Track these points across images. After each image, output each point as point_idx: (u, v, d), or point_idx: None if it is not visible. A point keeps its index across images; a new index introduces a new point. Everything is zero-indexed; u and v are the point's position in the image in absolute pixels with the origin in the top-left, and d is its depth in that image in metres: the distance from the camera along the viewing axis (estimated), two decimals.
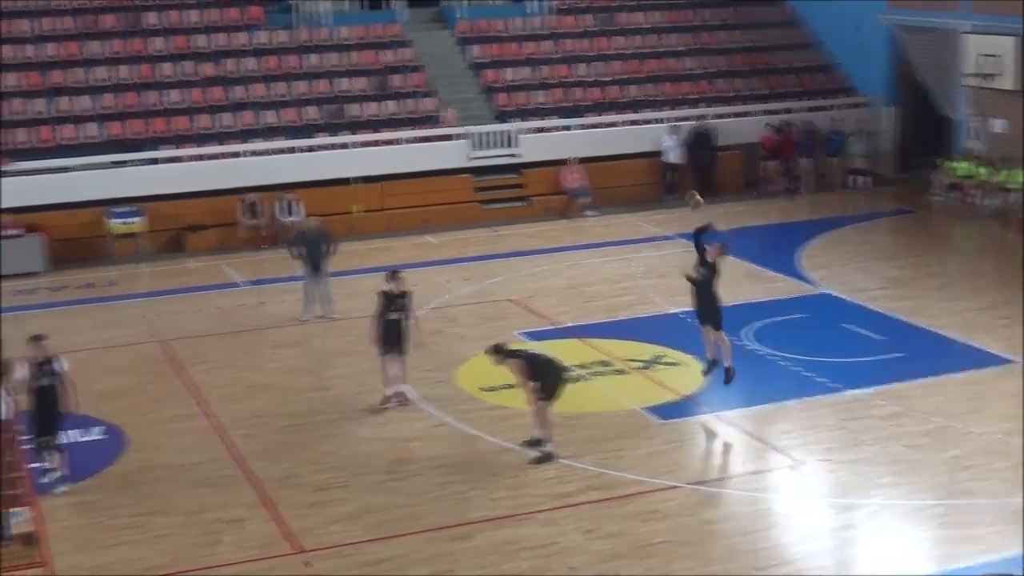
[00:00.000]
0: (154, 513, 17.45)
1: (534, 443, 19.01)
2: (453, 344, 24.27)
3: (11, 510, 15.31)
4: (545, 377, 18.83)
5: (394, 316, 21.32)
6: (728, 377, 20.93)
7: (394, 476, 18.57)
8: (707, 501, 17.47)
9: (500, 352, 19.04)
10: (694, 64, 41.43)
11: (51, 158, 34.40)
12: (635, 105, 39.57)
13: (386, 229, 35.17)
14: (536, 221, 35.75)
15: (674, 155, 37.64)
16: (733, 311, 25.35)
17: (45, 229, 32.78)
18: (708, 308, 21.07)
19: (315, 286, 26.67)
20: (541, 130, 38.08)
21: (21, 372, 18.44)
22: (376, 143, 36.59)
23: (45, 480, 18.10)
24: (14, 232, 31.89)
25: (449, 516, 17.15)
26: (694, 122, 38.40)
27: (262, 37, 39.19)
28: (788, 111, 39.95)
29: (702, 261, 20.95)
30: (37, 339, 18.71)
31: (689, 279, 21.12)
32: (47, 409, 18.43)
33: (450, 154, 36.90)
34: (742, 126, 39.19)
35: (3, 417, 16.66)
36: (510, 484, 18.07)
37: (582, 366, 22.84)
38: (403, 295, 21.47)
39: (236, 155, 35.50)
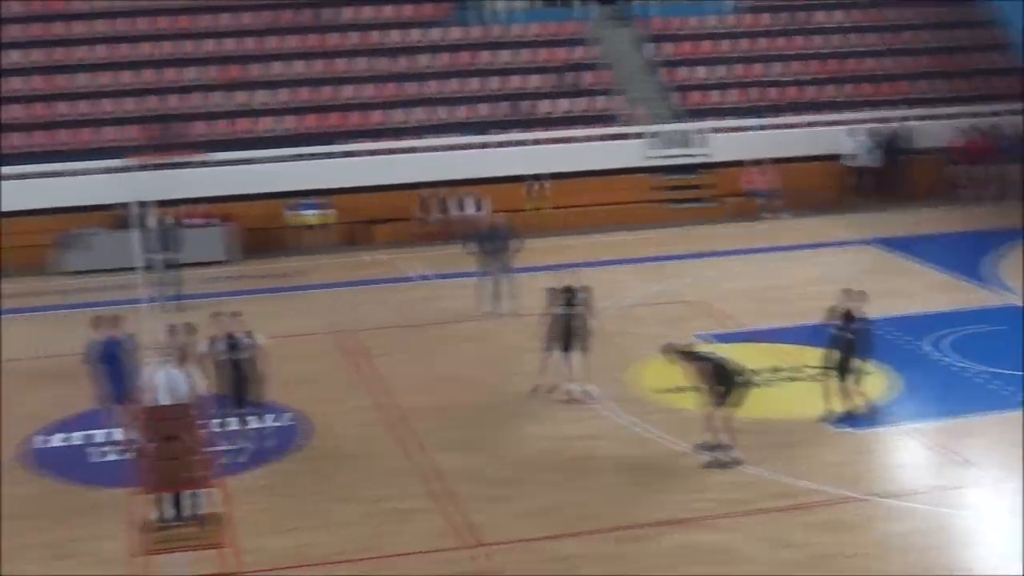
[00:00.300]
0: (336, 500, 17.59)
1: (709, 447, 18.71)
2: (631, 344, 24.03)
3: (197, 490, 15.53)
4: (726, 382, 18.51)
5: (563, 312, 21.24)
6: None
7: (572, 474, 18.41)
8: (893, 514, 16.91)
9: (678, 352, 18.79)
10: (884, 65, 40.46)
11: (246, 150, 34.97)
12: (827, 106, 38.80)
13: (566, 227, 35.05)
14: (719, 222, 35.34)
15: (864, 158, 36.85)
16: (922, 319, 24.81)
17: (236, 219, 33.39)
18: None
19: (498, 282, 26.66)
20: (725, 130, 37.56)
21: (203, 345, 19.04)
22: (557, 141, 36.46)
23: (232, 459, 18.42)
24: (207, 221, 32.58)
25: (626, 517, 16.92)
26: (885, 125, 37.50)
27: (445, 33, 39.33)
28: (982, 115, 38.75)
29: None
30: (233, 315, 19.51)
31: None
32: (238, 384, 18.96)
33: (632, 153, 36.63)
34: (935, 129, 38.09)
35: (188, 395, 16.87)
36: (688, 488, 17.79)
37: (764, 371, 22.41)
38: (576, 291, 21.40)
39: (424, 150, 35.74)
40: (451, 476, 18.33)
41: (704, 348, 21.83)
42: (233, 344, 19.15)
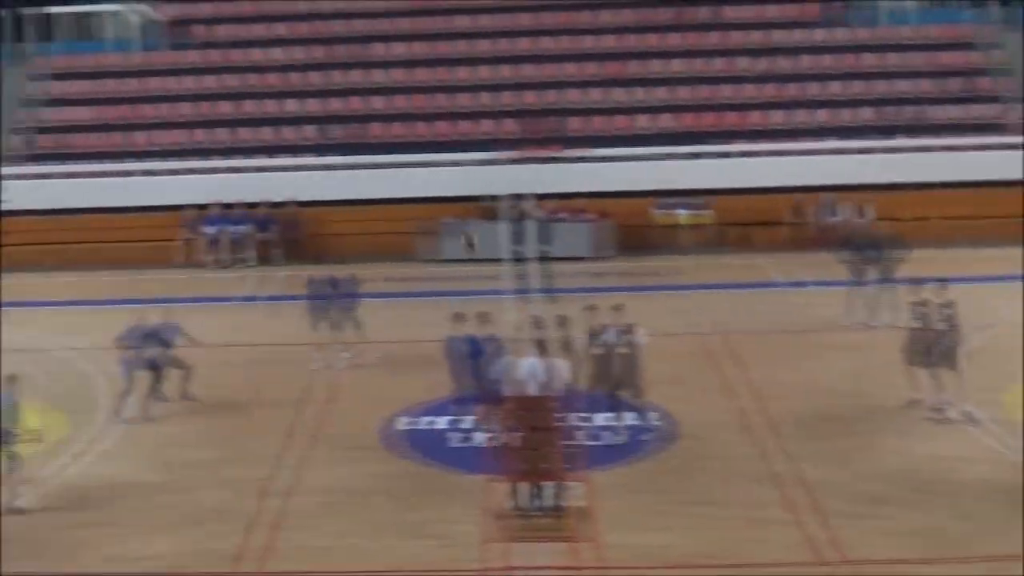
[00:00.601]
0: (699, 503, 17.37)
1: None
2: (1006, 364, 22.89)
3: (557, 482, 15.67)
4: None
5: (924, 326, 20.64)
6: None
7: (939, 496, 17.55)
8: None
9: None
10: None
11: (623, 146, 35.23)
12: None
13: (938, 238, 33.71)
14: None
15: None
16: None
17: (614, 216, 33.68)
18: None
19: (875, 293, 25.96)
20: None
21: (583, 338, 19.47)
22: (936, 149, 35.31)
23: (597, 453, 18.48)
24: (579, 217, 32.97)
25: (1005, 545, 16.06)
26: None
27: (836, 34, 38.57)
28: None
29: None
30: (615, 308, 19.90)
31: None
32: (614, 378, 19.33)
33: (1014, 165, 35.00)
34: None
35: (554, 387, 16.97)
36: None
37: None
38: (941, 306, 20.62)
39: (813, 152, 35.24)
40: (818, 488, 17.86)
41: None
42: (613, 337, 19.27)
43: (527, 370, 16.75)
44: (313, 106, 37.54)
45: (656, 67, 38.02)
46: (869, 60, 38.22)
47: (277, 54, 39.14)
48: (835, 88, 37.38)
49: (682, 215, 34.24)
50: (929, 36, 38.95)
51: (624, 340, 19.33)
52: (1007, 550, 15.80)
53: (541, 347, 16.99)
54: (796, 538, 16.27)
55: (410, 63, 38.53)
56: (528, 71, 38.17)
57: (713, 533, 16.46)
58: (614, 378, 19.32)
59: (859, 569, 15.44)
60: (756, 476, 18.32)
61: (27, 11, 40.50)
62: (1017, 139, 35.31)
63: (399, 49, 38.88)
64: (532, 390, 16.55)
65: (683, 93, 37.36)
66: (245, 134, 37.12)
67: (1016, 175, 34.92)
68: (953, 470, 18.56)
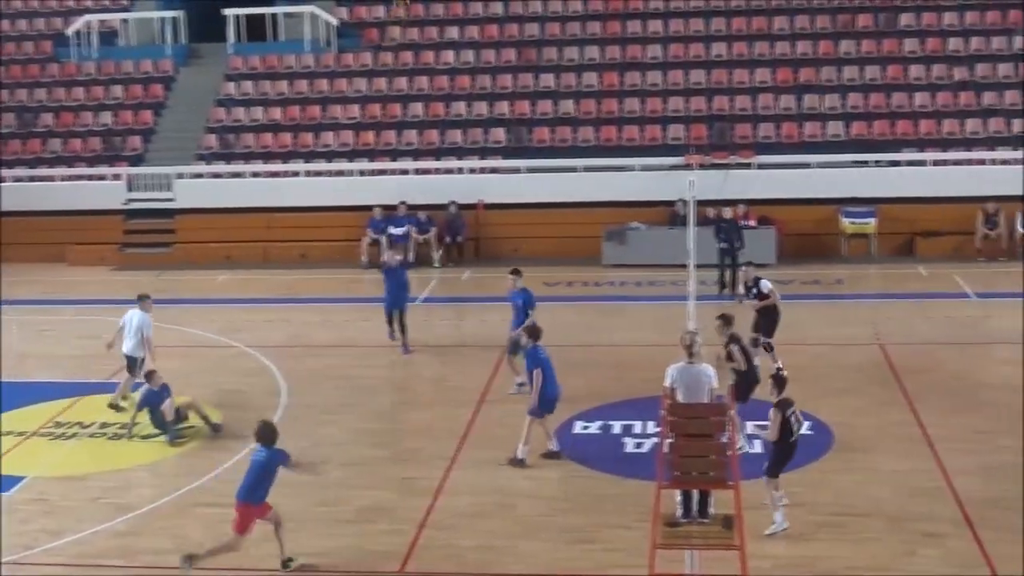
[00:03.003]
0: (856, 515, 17.40)
1: None
2: None
3: (716, 491, 15.82)
4: None
5: None
6: None
7: None
8: None
9: None
10: None
11: (793, 153, 35.18)
12: None
13: None
14: None
15: None
16: None
17: (778, 223, 33.61)
18: None
19: None
20: None
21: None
22: None
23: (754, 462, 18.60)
24: (750, 223, 32.92)
25: None
26: None
27: (1019, 42, 37.95)
28: None
29: None
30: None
31: None
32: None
33: None
34: None
35: (712, 394, 17.10)
36: None
37: None
38: None
39: (980, 162, 34.75)
40: (979, 504, 17.68)
41: None
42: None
43: (675, 376, 16.89)
44: (503, 109, 38.11)
45: (849, 74, 37.70)
46: None
47: (467, 56, 39.76)
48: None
49: (856, 223, 33.90)
50: None
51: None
52: None
53: (691, 353, 17.07)
54: (954, 554, 16.20)
55: (600, 67, 38.85)
56: (719, 77, 38.18)
57: (869, 546, 16.50)
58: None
59: None
60: (918, 490, 18.23)
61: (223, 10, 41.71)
62: None
63: (592, 53, 39.23)
64: (680, 396, 16.69)
65: (876, 100, 36.98)
66: (431, 136, 37.86)
67: None
68: None
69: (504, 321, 23.81)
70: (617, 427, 21.13)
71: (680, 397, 16.66)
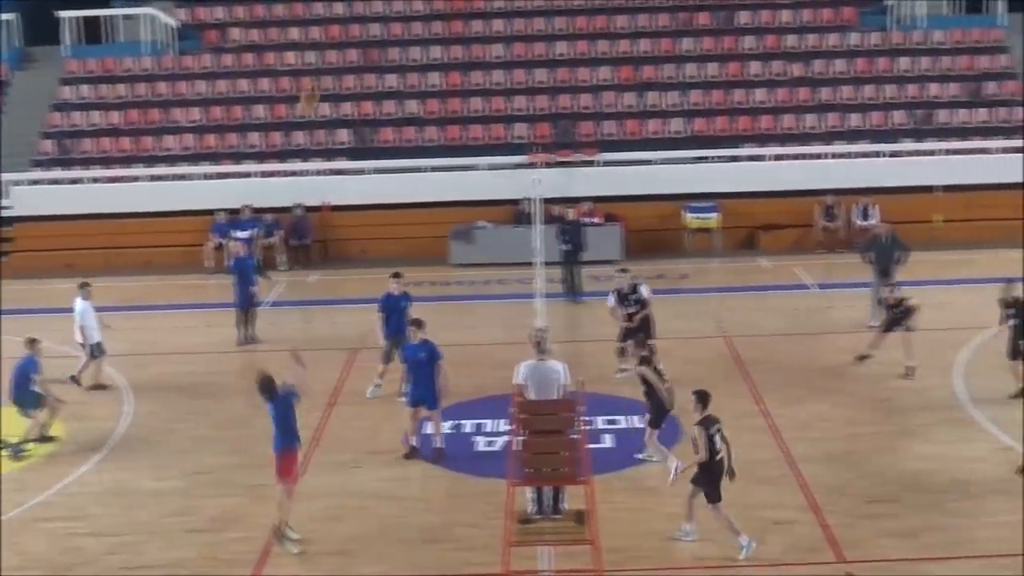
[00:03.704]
0: (704, 504, 17.60)
1: None
2: None
3: (566, 486, 15.90)
4: None
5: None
6: None
7: (952, 497, 17.85)
8: None
9: None
10: None
11: (636, 151, 35.57)
12: None
13: (969, 241, 33.99)
14: None
15: None
16: None
17: (623, 219, 33.95)
18: None
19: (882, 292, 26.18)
20: None
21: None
22: (964, 152, 35.45)
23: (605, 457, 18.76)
24: (595, 220, 33.18)
25: (1008, 544, 16.33)
26: None
27: (854, 39, 38.82)
28: None
29: None
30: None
31: None
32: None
33: None
34: None
35: (562, 391, 17.21)
36: None
37: None
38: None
39: (818, 156, 35.46)
40: (824, 490, 18.12)
41: None
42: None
43: (526, 374, 16.96)
44: (348, 110, 37.93)
45: (691, 71, 38.23)
46: (893, 64, 38.25)
47: (310, 57, 39.49)
48: (869, 91, 37.47)
49: (698, 219, 34.40)
50: (961, 40, 38.95)
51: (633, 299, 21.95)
52: (1010, 549, 16.08)
53: (541, 350, 17.16)
54: (801, 540, 16.53)
55: (443, 66, 38.86)
56: (563, 75, 38.44)
57: (719, 535, 16.70)
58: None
59: (856, 569, 15.72)
60: (764, 479, 18.55)
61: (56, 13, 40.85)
62: None
63: (435, 52, 39.22)
64: (531, 393, 16.77)
65: (717, 97, 37.57)
66: (275, 138, 37.56)
67: None
68: (968, 472, 18.77)
69: (354, 323, 23.72)
70: (468, 426, 21.16)
71: (531, 394, 16.72)
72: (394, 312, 22.35)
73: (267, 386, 16.75)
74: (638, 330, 22.52)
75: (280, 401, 16.73)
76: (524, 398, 16.56)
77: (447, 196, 35.08)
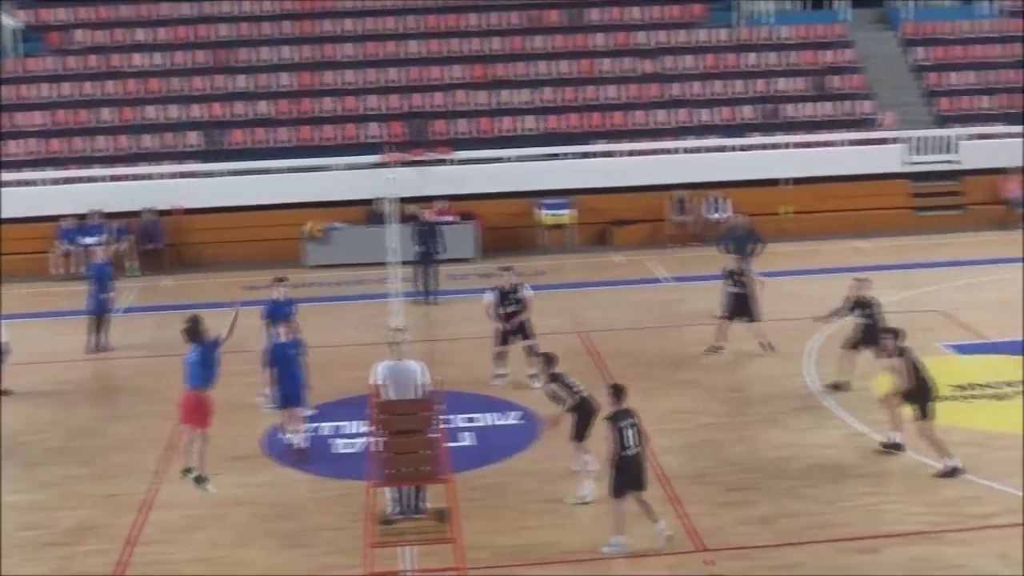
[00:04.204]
0: (559, 500, 17.74)
1: (891, 447, 18.83)
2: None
3: (427, 485, 15.86)
4: (923, 388, 18.38)
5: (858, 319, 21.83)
6: None
7: (807, 482, 18.23)
8: None
9: (897, 336, 18.59)
10: None
11: (490, 148, 35.64)
12: None
13: (816, 232, 34.72)
14: (972, 231, 34.51)
15: None
16: None
17: (478, 217, 34.01)
18: None
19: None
20: (984, 136, 36.68)
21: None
22: (811, 145, 36.16)
23: (464, 456, 18.75)
24: (450, 219, 33.19)
25: (860, 527, 16.72)
26: None
27: (702, 35, 39.32)
28: None
29: None
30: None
31: None
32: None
33: (886, 159, 36.10)
34: None
35: (419, 390, 17.20)
36: (926, 500, 17.45)
37: (1009, 383, 21.91)
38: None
39: (669, 152, 35.86)
40: (684, 480, 18.34)
41: (950, 361, 21.40)
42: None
43: (383, 374, 16.92)
44: (197, 112, 37.44)
45: (542, 68, 38.39)
46: (742, 60, 38.85)
47: (158, 59, 38.87)
48: (703, 87, 38.00)
49: (553, 215, 34.61)
50: (806, 35, 39.66)
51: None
52: (862, 532, 16.49)
53: (398, 350, 17.13)
54: (656, 532, 16.66)
55: (295, 66, 38.56)
56: (415, 74, 38.36)
57: (583, 529, 16.84)
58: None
59: (717, 556, 15.94)
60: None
61: None
62: (886, 134, 36.27)
63: (286, 53, 38.89)
64: (390, 394, 16.71)
65: (569, 94, 37.78)
66: (123, 141, 36.93)
67: (888, 168, 36.01)
68: (821, 456, 19.22)
69: (210, 327, 23.27)
70: (327, 428, 21.02)
71: (389, 395, 16.67)
72: (280, 318, 22.03)
73: (194, 329, 17.49)
74: (515, 332, 22.56)
75: (208, 344, 17.51)
76: (382, 398, 16.49)
77: (301, 197, 34.79)
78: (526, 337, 22.63)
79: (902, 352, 18.56)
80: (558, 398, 18.16)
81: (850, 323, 22.27)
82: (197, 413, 17.58)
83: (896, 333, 18.80)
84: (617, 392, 16.46)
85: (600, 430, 16.80)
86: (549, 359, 18.50)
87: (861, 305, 21.87)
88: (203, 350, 17.57)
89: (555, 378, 18.27)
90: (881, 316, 21.77)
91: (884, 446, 18.96)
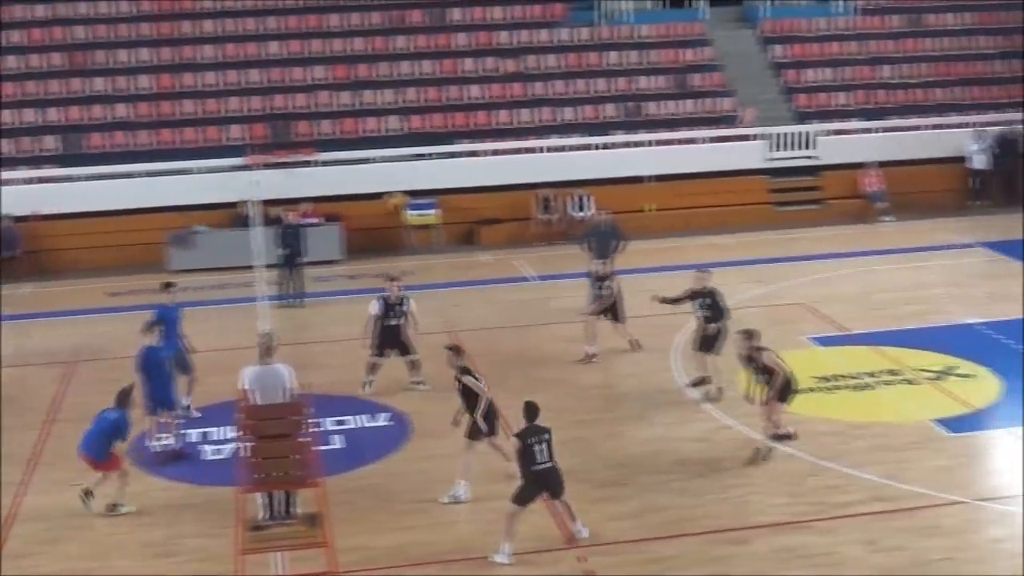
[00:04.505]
0: (438, 501, 17.75)
1: (781, 437, 19.17)
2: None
3: (296, 490, 15.77)
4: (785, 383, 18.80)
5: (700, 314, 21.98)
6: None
7: (676, 477, 18.46)
8: (995, 519, 16.78)
9: (752, 337, 18.83)
10: (1004, 67, 39.96)
11: (354, 149, 35.50)
12: (940, 109, 38.54)
13: (679, 228, 35.11)
14: (831, 225, 35.18)
15: (979, 161, 36.42)
16: None
17: (344, 219, 33.86)
18: None
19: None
20: (842, 132, 37.42)
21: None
22: (672, 142, 36.57)
23: (334, 459, 18.66)
24: (315, 221, 33.00)
25: (728, 519, 16.97)
26: (1001, 127, 37.04)
27: (564, 34, 39.54)
28: None
29: None
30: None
31: None
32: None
33: (747, 155, 36.65)
34: None
35: (286, 394, 17.09)
36: (791, 491, 17.76)
37: (871, 374, 22.39)
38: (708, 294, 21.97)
39: (533, 151, 36.03)
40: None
41: (815, 352, 21.78)
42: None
43: (251, 378, 16.79)
44: (54, 115, 36.74)
45: (405, 69, 38.31)
46: (603, 58, 39.15)
47: (10, 62, 38.06)
48: (565, 86, 38.23)
49: (419, 215, 34.58)
50: (666, 34, 40.07)
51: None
52: (732, 523, 16.74)
53: (265, 354, 17.02)
54: (534, 528, 16.71)
55: (154, 69, 38.01)
56: (276, 75, 38.04)
57: (456, 529, 16.87)
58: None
59: (588, 552, 16.07)
60: (496, 471, 18.63)
61: None
62: (747, 131, 36.84)
63: (144, 55, 38.29)
64: (257, 398, 16.60)
65: (432, 94, 37.74)
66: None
67: (748, 165, 36.57)
68: (689, 450, 19.45)
69: (71, 335, 23.04)
70: (194, 435, 20.76)
71: (257, 399, 16.55)
72: (170, 324, 21.69)
73: (126, 397, 18.19)
74: (393, 346, 22.39)
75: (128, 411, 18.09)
76: (250, 403, 16.36)
77: (162, 201, 34.31)
78: (406, 353, 22.48)
79: (759, 351, 18.81)
80: (470, 394, 18.08)
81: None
82: (117, 461, 17.91)
83: (751, 334, 19.04)
84: (526, 410, 16.39)
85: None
86: (458, 351, 18.50)
87: (702, 296, 21.97)
88: (126, 414, 18.00)
89: (466, 371, 18.25)
90: (724, 308, 21.92)
91: (773, 438, 19.13)
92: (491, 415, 18.14)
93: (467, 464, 17.86)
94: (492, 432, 18.12)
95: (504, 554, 15.80)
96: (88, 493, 17.74)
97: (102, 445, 17.80)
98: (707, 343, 21.76)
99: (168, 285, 22.42)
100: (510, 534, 15.90)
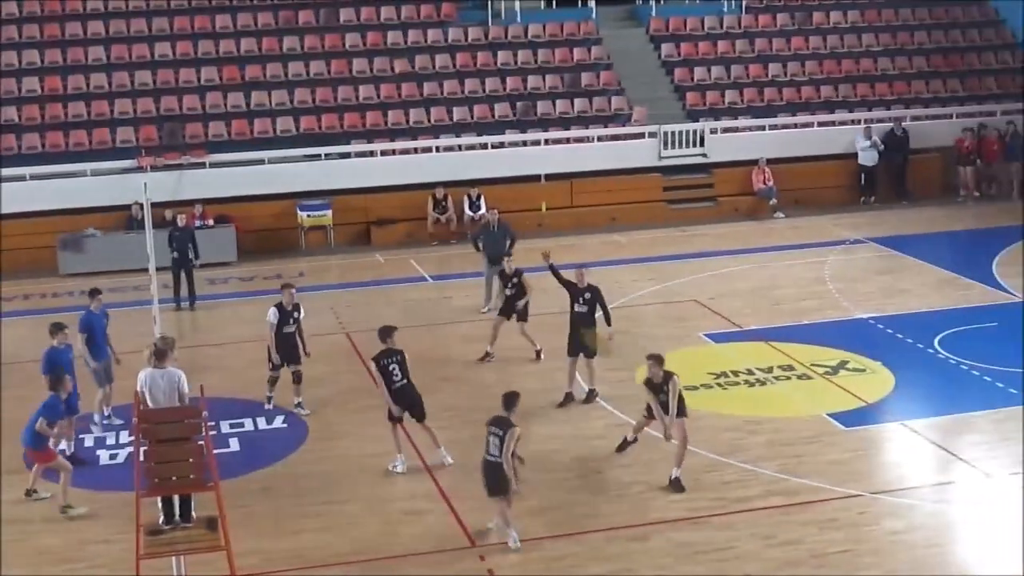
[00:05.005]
0: (336, 502, 17.72)
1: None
2: (637, 344, 24.08)
3: (194, 493, 15.62)
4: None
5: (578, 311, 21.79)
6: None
7: (576, 474, 18.60)
8: (890, 511, 17.09)
9: (661, 362, 18.60)
10: (891, 64, 40.64)
11: (246, 151, 35.21)
12: (830, 106, 39.06)
13: (574, 227, 35.28)
14: (724, 222, 35.54)
15: (868, 157, 36.98)
16: (924, 317, 25.09)
17: (236, 220, 33.59)
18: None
19: (494, 280, 26.78)
20: (732, 130, 37.80)
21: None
22: (566, 141, 36.72)
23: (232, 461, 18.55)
24: (207, 223, 32.71)
25: (628, 516, 17.11)
26: (889, 124, 37.67)
27: (454, 34, 39.54)
28: (987, 114, 38.96)
29: None
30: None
31: None
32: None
33: (640, 153, 36.87)
34: (939, 129, 38.31)
35: (179, 398, 16.95)
36: (689, 487, 17.92)
37: (765, 370, 22.65)
38: (589, 291, 21.85)
39: (428, 150, 35.98)
40: (454, 477, 18.46)
41: (709, 348, 21.94)
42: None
43: (145, 381, 16.64)
44: None
45: (296, 69, 38.05)
46: (496, 57, 39.21)
47: None
48: (459, 85, 38.23)
49: (313, 216, 34.37)
50: (557, 33, 40.21)
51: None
52: (632, 520, 16.87)
53: (160, 356, 16.85)
54: (434, 528, 16.81)
55: (40, 71, 37.39)
56: (165, 76, 37.58)
57: (352, 531, 16.85)
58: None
59: (489, 551, 16.12)
60: (386, 473, 18.73)
61: None
62: (639, 129, 37.09)
63: (31, 56, 37.62)
64: (152, 401, 16.45)
65: (324, 94, 37.53)
66: None
67: (641, 163, 36.80)
68: (586, 448, 19.64)
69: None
70: (89, 440, 20.51)
71: (152, 403, 16.39)
72: (98, 331, 21.29)
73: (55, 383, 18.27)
74: (291, 361, 22.02)
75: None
76: (145, 407, 16.20)
77: (52, 204, 33.76)
78: (293, 362, 22.13)
79: (668, 377, 18.51)
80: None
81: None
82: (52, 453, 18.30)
83: (660, 359, 18.71)
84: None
85: None
86: (388, 330, 19.29)
87: (582, 292, 21.92)
88: (54, 397, 18.12)
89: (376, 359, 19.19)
90: (602, 303, 21.94)
91: (622, 444, 19.31)
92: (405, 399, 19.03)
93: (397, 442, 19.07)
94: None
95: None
96: (30, 492, 18.01)
97: (34, 432, 17.88)
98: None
99: (95, 292, 22.09)
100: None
